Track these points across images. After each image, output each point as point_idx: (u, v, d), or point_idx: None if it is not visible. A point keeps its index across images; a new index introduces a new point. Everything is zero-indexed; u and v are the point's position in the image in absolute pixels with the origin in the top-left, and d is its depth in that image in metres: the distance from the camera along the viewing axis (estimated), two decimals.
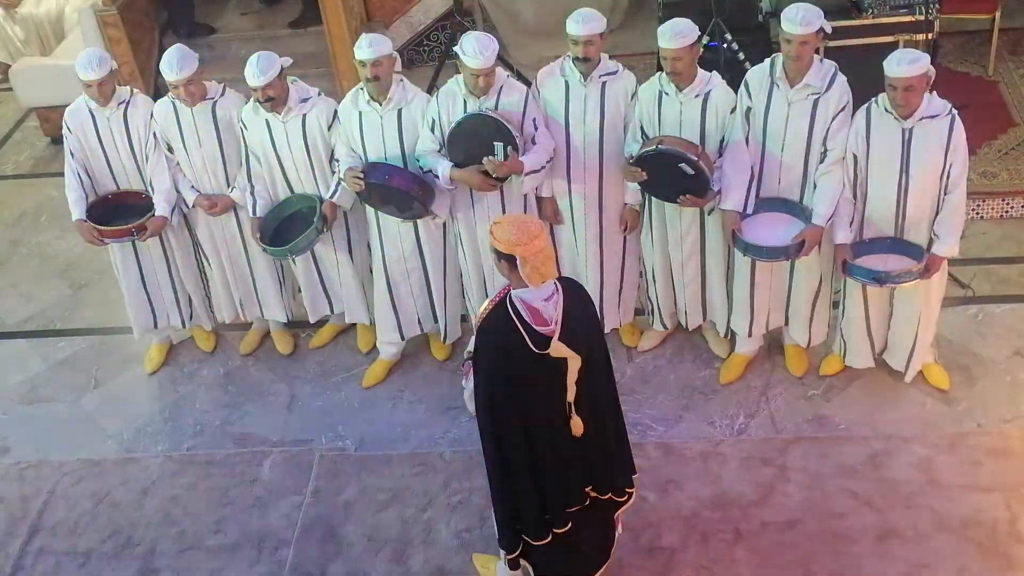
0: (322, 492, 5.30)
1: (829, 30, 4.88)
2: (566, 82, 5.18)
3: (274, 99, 5.19)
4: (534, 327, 3.90)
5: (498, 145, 5.05)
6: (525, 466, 4.14)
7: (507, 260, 3.88)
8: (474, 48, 4.96)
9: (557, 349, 3.94)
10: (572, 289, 4.07)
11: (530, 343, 3.90)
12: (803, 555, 4.74)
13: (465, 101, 5.15)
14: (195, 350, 6.24)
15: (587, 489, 4.30)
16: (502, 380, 4.00)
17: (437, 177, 5.17)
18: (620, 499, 4.43)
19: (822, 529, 4.84)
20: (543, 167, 5.18)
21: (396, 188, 5.14)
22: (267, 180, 5.49)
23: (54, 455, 5.67)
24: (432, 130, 5.21)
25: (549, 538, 4.28)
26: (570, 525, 4.27)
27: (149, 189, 5.58)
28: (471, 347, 4.14)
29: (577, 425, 4.12)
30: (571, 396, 4.08)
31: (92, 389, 6.09)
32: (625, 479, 4.43)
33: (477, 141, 5.07)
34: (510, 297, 3.94)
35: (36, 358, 6.35)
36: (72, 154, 5.54)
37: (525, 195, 5.36)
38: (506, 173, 5.10)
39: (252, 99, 5.28)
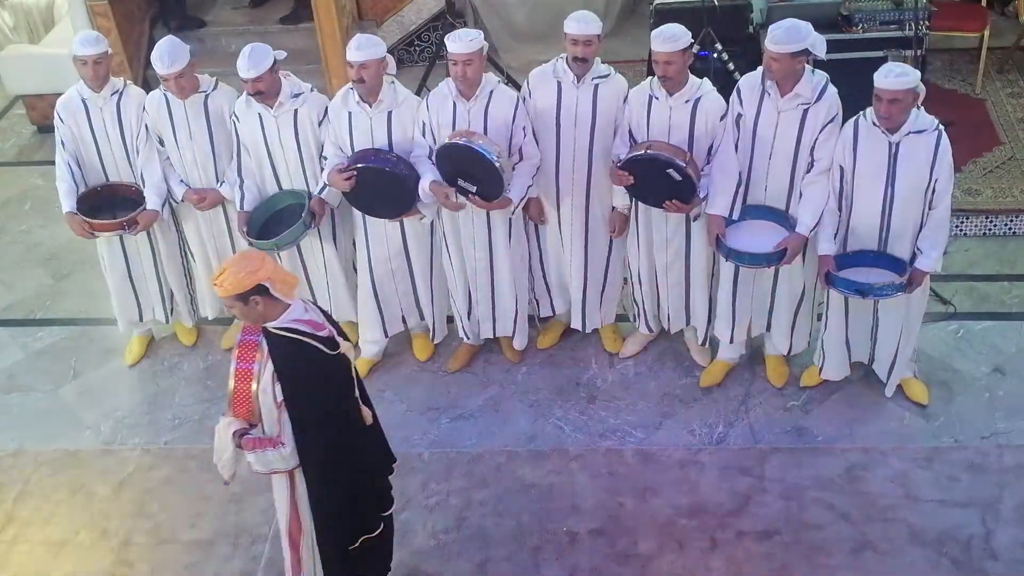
0: None
1: (820, 55, 4.83)
2: (559, 83, 5.19)
3: (264, 92, 5.16)
4: (319, 335, 3.90)
5: (468, 185, 5.09)
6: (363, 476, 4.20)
7: (257, 293, 3.80)
8: (459, 34, 5.03)
9: (343, 345, 4.00)
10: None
11: (327, 350, 3.91)
12: (778, 566, 4.75)
13: (455, 104, 5.16)
14: (176, 343, 6.21)
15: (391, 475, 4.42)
16: (332, 403, 3.98)
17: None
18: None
19: (798, 540, 4.85)
20: (528, 188, 5.25)
21: (389, 171, 5.12)
22: (257, 174, 5.47)
23: (31, 445, 5.64)
24: (423, 134, 5.22)
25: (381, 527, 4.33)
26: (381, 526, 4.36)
27: (140, 181, 5.56)
28: (235, 427, 4.03)
29: (367, 414, 4.19)
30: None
31: (71, 380, 6.06)
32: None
33: (460, 166, 5.08)
34: (272, 331, 3.86)
35: (15, 347, 6.31)
36: (64, 144, 5.50)
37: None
38: (494, 209, 5.17)
39: (244, 92, 5.25)
